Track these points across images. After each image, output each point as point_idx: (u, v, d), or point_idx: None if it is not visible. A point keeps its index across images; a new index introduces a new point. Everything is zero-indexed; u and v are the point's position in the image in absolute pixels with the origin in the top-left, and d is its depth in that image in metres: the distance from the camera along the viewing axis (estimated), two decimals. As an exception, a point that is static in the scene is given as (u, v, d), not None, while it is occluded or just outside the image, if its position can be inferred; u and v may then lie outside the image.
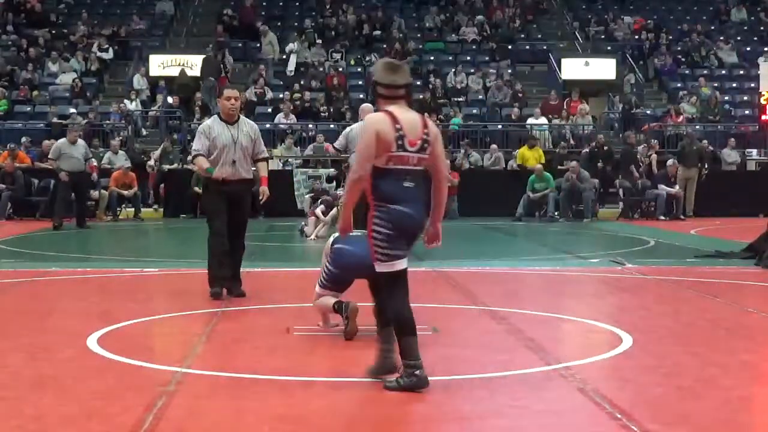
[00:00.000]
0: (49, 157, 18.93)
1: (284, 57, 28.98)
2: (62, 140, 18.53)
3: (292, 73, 28.42)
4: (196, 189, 18.34)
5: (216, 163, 8.89)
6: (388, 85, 5.34)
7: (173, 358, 6.30)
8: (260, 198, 9.39)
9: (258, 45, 29.61)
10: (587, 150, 23.27)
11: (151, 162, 22.17)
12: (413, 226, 5.34)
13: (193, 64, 27.49)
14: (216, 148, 8.88)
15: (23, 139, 22.86)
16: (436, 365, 6.03)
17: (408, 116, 5.32)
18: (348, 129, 10.90)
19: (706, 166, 22.91)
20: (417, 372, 5.28)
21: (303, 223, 16.84)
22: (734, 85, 29.73)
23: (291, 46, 28.98)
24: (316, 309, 7.17)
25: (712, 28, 32.56)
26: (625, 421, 4.74)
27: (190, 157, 9.25)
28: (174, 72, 27.53)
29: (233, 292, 9.01)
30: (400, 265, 5.32)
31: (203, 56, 27.25)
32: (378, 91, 5.40)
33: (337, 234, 6.84)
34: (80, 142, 18.62)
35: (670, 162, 21.73)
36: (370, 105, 14.20)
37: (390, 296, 5.39)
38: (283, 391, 5.45)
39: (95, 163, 21.01)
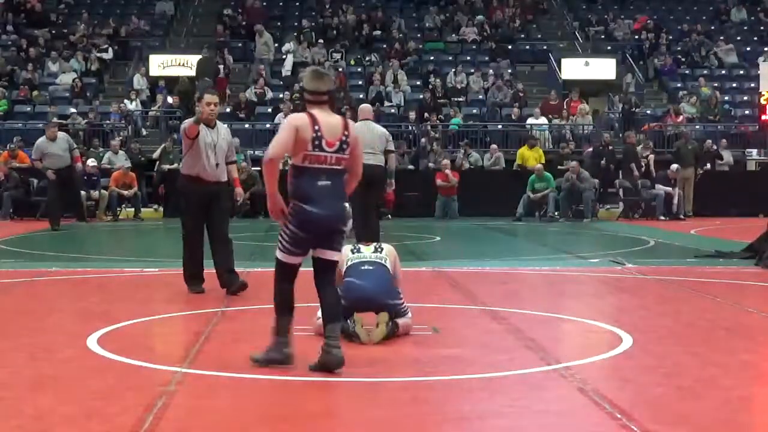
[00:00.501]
0: (32, 158, 18.59)
1: (283, 57, 28.95)
2: (41, 139, 18.06)
3: (290, 73, 28.39)
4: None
5: (198, 163, 9.04)
6: (313, 91, 5.91)
7: (173, 358, 6.30)
8: (237, 200, 9.80)
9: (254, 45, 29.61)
10: (591, 149, 23.26)
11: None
12: (322, 225, 5.80)
13: (192, 64, 27.46)
14: (200, 148, 9.02)
15: (15, 139, 22.64)
16: (436, 365, 6.04)
17: (329, 119, 5.86)
18: None
19: (707, 165, 22.91)
20: (285, 349, 5.84)
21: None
22: (734, 85, 29.69)
23: (288, 46, 28.96)
24: (317, 331, 6.84)
25: (712, 28, 32.52)
26: (625, 421, 4.74)
27: (183, 125, 9.35)
28: (174, 72, 27.50)
29: (232, 287, 9.07)
30: (295, 260, 5.87)
31: (198, 57, 27.20)
32: (305, 97, 5.99)
33: (350, 256, 6.87)
34: (61, 135, 18.16)
35: (673, 167, 21.68)
36: (369, 105, 14.26)
37: (279, 280, 5.91)
38: (283, 391, 5.46)
39: (93, 162, 20.97)
